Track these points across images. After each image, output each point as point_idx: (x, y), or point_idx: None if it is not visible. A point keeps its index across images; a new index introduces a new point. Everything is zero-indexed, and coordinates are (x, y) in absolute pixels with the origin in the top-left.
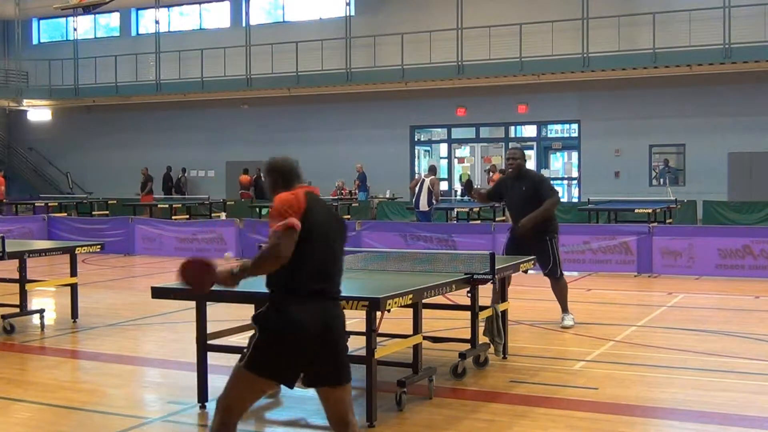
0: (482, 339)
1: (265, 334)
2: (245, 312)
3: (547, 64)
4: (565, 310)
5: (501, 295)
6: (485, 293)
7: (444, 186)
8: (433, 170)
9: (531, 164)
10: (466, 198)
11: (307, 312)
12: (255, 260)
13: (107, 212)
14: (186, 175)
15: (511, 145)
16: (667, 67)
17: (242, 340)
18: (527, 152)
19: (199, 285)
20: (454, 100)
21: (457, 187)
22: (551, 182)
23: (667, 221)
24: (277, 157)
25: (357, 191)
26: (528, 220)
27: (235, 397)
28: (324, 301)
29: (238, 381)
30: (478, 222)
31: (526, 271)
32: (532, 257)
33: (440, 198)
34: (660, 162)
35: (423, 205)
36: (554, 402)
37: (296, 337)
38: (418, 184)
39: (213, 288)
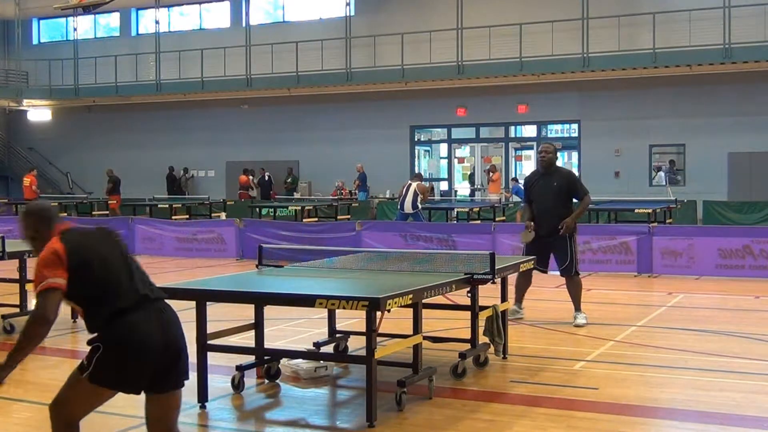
0: (482, 339)
1: (108, 348)
2: (245, 312)
3: (547, 64)
4: (578, 308)
5: (501, 295)
6: (485, 293)
7: (444, 186)
8: (419, 176)
9: (531, 164)
10: (468, 198)
11: (144, 319)
12: (21, 338)
13: (107, 212)
14: (187, 175)
15: (542, 143)
16: (667, 67)
17: (242, 340)
18: (527, 152)
19: None
20: (454, 100)
21: (457, 187)
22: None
23: (667, 221)
24: (32, 203)
25: (357, 191)
26: (572, 219)
27: (79, 407)
28: (152, 304)
29: (81, 392)
30: (478, 222)
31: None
32: (532, 257)
33: (440, 198)
34: (664, 162)
35: (407, 207)
36: (554, 402)
37: (142, 344)
38: (405, 188)
39: None
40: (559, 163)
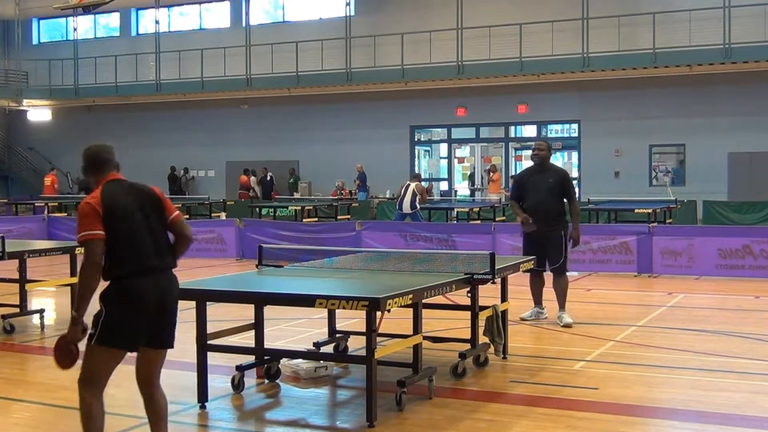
0: (482, 339)
1: (110, 310)
2: (245, 312)
3: (547, 64)
4: (562, 307)
5: (501, 295)
6: (485, 293)
7: (444, 186)
8: (417, 177)
9: (531, 164)
10: (469, 197)
11: (145, 283)
12: (79, 288)
13: None
14: (187, 175)
15: (536, 142)
16: (667, 67)
17: (242, 340)
18: (527, 152)
19: (68, 358)
20: (454, 100)
21: (457, 187)
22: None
23: (667, 221)
24: (92, 145)
25: (357, 191)
26: (577, 232)
27: (99, 373)
28: (158, 273)
29: (95, 358)
30: (478, 222)
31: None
32: (532, 257)
33: (440, 198)
34: (666, 163)
35: (406, 207)
36: (554, 402)
37: (138, 305)
38: (404, 188)
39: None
40: (558, 163)
